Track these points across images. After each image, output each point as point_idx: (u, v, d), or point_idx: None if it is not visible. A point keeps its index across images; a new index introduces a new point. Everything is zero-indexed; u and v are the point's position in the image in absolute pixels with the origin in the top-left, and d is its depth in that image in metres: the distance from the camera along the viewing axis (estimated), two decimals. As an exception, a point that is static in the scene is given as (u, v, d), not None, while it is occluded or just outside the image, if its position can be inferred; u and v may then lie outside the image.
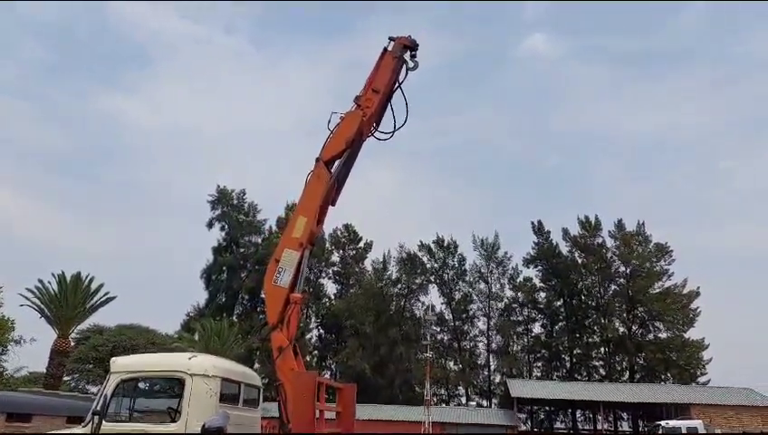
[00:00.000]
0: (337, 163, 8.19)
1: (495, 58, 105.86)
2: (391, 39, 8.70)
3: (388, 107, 8.64)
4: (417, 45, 8.75)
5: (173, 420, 6.64)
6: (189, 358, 6.89)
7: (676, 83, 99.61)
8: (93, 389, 57.40)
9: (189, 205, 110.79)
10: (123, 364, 6.89)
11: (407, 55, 8.73)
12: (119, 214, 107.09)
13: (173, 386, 7.44)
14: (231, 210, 67.70)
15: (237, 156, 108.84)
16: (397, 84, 8.57)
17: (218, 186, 67.80)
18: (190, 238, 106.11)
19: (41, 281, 41.72)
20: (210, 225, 67.41)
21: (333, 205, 8.55)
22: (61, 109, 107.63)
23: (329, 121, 8.23)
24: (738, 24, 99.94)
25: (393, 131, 8.61)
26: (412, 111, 8.63)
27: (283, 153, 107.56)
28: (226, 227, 67.11)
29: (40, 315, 41.38)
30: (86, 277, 42.55)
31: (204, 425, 5.51)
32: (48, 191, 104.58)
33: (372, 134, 8.56)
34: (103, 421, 6.31)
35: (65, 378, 44.82)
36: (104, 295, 43.35)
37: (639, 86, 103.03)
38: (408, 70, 8.69)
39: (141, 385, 7.25)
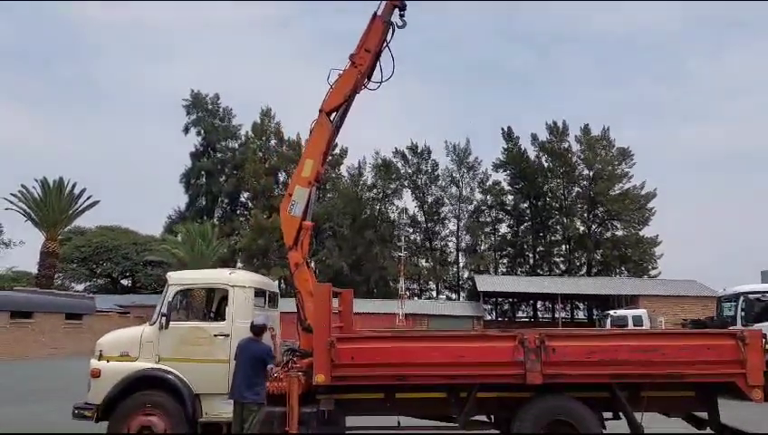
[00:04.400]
0: (335, 114, 9.88)
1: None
2: None
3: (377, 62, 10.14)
4: (405, 6, 10.03)
5: (218, 320, 8.77)
6: (230, 273, 8.99)
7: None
8: (79, 287, 59.89)
9: (157, 105, 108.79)
10: (179, 278, 8.91)
11: (396, 15, 10.05)
12: (81, 113, 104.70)
13: (211, 295, 9.56)
14: (206, 115, 67.73)
15: (205, 52, 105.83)
16: (385, 44, 10.05)
17: (192, 90, 67.46)
18: (163, 140, 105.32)
19: (24, 186, 42.78)
20: (186, 130, 67.78)
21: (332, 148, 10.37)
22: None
23: (328, 77, 9.84)
24: None
25: (381, 82, 10.21)
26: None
27: (252, 48, 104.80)
28: (202, 132, 67.48)
29: (26, 219, 42.87)
30: (68, 182, 43.73)
31: (252, 322, 7.62)
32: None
33: (365, 86, 10.16)
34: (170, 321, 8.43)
35: (51, 277, 46.80)
36: (87, 199, 44.74)
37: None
38: (396, 28, 10.11)
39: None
